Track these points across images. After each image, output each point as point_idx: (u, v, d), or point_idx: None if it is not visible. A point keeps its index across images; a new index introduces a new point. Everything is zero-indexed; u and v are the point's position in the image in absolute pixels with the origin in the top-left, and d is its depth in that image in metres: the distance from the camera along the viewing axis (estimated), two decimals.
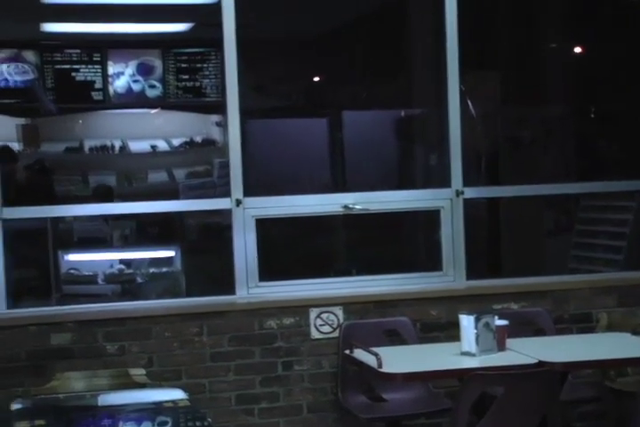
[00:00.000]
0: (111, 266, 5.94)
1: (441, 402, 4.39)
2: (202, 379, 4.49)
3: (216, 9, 4.67)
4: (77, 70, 5.22)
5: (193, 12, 5.47)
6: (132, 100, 5.40)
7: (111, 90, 5.31)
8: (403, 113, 6.35)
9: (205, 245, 6.00)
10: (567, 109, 6.37)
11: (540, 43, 6.44)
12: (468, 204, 4.92)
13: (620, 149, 5.98)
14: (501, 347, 3.98)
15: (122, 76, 5.31)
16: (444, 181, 4.90)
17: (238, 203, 4.67)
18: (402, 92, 6.25)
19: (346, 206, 4.79)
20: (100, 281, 5.82)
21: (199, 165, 6.58)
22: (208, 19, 4.92)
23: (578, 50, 6.46)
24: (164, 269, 5.93)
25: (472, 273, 4.88)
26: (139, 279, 5.84)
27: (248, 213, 4.69)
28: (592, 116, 6.42)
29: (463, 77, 4.91)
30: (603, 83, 6.03)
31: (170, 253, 6.09)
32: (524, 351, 3.94)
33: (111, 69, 5.26)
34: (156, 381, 4.27)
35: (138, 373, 4.21)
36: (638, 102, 5.24)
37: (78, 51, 5.21)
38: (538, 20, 6.34)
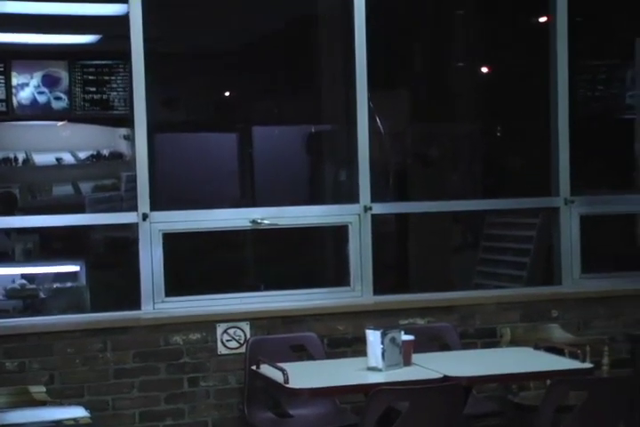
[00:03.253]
0: (13, 281, 5.78)
1: (347, 418, 4.39)
2: (105, 396, 4.40)
3: (124, 21, 4.62)
4: None
5: (101, 24, 5.38)
6: (37, 111, 5.27)
7: (15, 101, 5.19)
8: (313, 129, 6.37)
9: (111, 260, 5.90)
10: (474, 127, 6.48)
11: (449, 62, 6.55)
12: (377, 219, 4.95)
13: (526, 167, 6.10)
14: (407, 362, 4.00)
15: (26, 87, 5.19)
16: (352, 197, 4.93)
17: (145, 217, 4.61)
18: (312, 108, 6.27)
19: (254, 221, 4.77)
20: (0, 296, 5.66)
21: (106, 179, 6.48)
22: (116, 31, 4.87)
23: (485, 69, 6.58)
24: (68, 285, 5.80)
25: (379, 288, 4.91)
26: (42, 295, 5.70)
27: (155, 227, 4.63)
28: (498, 134, 6.54)
29: (372, 95, 4.95)
30: (509, 101, 6.14)
31: (74, 268, 5.96)
32: (430, 366, 3.97)
33: (15, 80, 5.13)
34: (58, 398, 4.17)
35: (38, 390, 4.10)
36: (542, 121, 5.36)
37: None
38: (446, 40, 6.45)
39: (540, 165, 5.44)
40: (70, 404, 4.10)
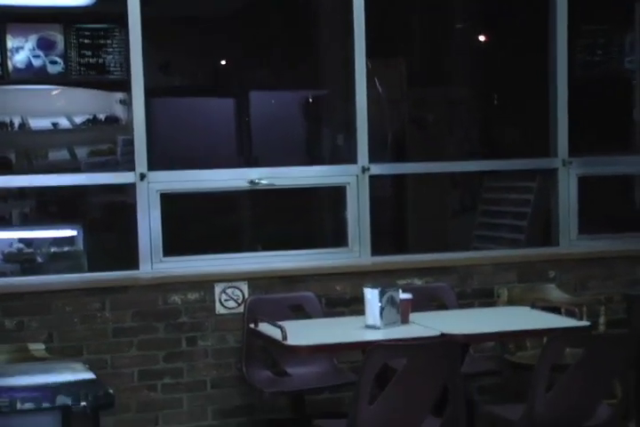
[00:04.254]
0: (10, 245, 5.78)
1: (345, 376, 4.42)
2: (104, 355, 4.43)
3: None
4: None
5: None
6: (33, 75, 5.23)
7: (10, 65, 5.15)
8: (310, 94, 6.34)
9: (109, 224, 5.89)
10: (473, 92, 6.46)
11: (447, 27, 6.51)
12: (375, 182, 4.94)
13: (524, 130, 6.09)
14: (405, 320, 4.02)
15: (21, 50, 5.15)
16: (350, 159, 4.92)
17: (142, 177, 4.60)
18: (309, 73, 6.24)
19: (252, 181, 4.76)
20: None
21: (102, 143, 6.44)
22: None
23: (483, 34, 6.54)
24: (66, 249, 5.79)
25: (377, 249, 4.92)
26: (39, 259, 5.70)
27: (152, 187, 4.62)
28: (497, 97, 6.51)
29: (370, 60, 4.94)
30: (507, 66, 6.12)
31: (72, 233, 5.95)
32: (428, 324, 3.99)
33: (10, 44, 5.08)
34: (57, 356, 4.18)
35: (37, 347, 4.11)
36: (541, 84, 5.34)
37: None
38: (444, 5, 6.41)
39: (538, 128, 5.43)
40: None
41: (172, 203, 4.74)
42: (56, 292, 4.39)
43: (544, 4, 5.28)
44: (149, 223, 4.61)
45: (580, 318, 4.21)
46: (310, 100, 6.34)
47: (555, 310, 4.48)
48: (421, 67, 6.37)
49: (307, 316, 4.53)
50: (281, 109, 6.30)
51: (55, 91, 6.16)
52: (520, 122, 6.14)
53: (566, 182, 5.20)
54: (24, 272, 5.45)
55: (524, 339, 4.56)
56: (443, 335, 3.84)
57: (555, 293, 4.86)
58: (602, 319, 4.76)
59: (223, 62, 6.58)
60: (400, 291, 4.01)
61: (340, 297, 4.71)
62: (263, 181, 4.76)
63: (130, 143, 4.72)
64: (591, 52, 5.76)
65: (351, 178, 4.89)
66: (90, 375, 3.56)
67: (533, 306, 4.38)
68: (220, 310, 4.59)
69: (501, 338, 4.38)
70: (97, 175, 5.09)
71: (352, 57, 4.92)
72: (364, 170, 4.88)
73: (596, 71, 5.76)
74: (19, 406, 3.28)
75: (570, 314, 4.41)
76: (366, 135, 4.89)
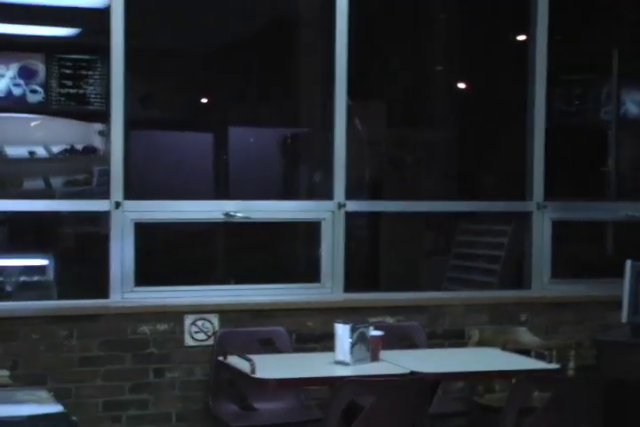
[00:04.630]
0: None
1: (312, 413, 4.38)
2: (68, 384, 4.37)
3: (105, 14, 4.62)
4: None
5: (80, 16, 5.35)
6: (12, 104, 5.24)
7: None
8: (289, 132, 6.37)
9: (80, 254, 5.84)
10: (452, 134, 6.51)
11: (425, 71, 6.58)
12: (350, 220, 4.95)
13: (500, 174, 6.14)
14: (375, 357, 4.00)
15: (2, 78, 5.15)
16: (326, 194, 4.93)
17: (117, 205, 4.59)
18: (289, 110, 6.27)
19: (227, 214, 4.76)
20: None
21: (78, 173, 6.42)
22: (96, 24, 4.84)
23: (463, 78, 6.61)
24: (36, 278, 5.74)
25: (350, 286, 4.91)
26: (8, 288, 5.64)
27: (127, 216, 4.61)
28: (474, 140, 6.56)
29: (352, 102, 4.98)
30: (485, 110, 6.18)
31: (43, 262, 5.90)
32: (398, 362, 3.98)
33: None
34: (20, 383, 4.11)
35: (1, 374, 4.04)
36: (518, 130, 5.40)
37: None
38: (426, 48, 6.48)
39: (514, 172, 5.48)
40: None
41: (145, 233, 4.72)
42: (23, 318, 4.35)
43: (524, 51, 5.37)
44: (122, 252, 4.58)
45: (550, 362, 4.20)
46: (289, 137, 6.37)
47: (525, 352, 4.48)
48: (401, 108, 6.42)
49: (277, 351, 4.51)
50: (259, 146, 6.32)
51: (35, 122, 6.15)
52: (496, 165, 6.19)
53: (540, 226, 5.23)
54: None
55: (493, 379, 4.55)
56: (413, 373, 3.83)
57: (525, 336, 4.85)
58: (571, 364, 4.76)
59: (204, 97, 6.61)
60: (371, 328, 4.00)
61: (310, 333, 4.69)
62: (239, 214, 4.75)
63: (106, 174, 4.72)
64: (568, 101, 5.85)
65: (327, 213, 4.89)
66: (56, 407, 3.46)
67: (504, 348, 4.37)
68: (189, 341, 4.55)
69: (471, 378, 4.36)
70: (71, 202, 5.07)
71: (333, 96, 4.96)
72: (340, 206, 4.90)
73: (572, 120, 5.84)
74: None
75: (540, 357, 4.41)
76: (344, 172, 4.92)
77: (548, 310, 5.07)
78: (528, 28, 5.35)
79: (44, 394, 3.67)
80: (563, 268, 5.32)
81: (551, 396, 3.82)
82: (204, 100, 6.58)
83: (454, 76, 6.55)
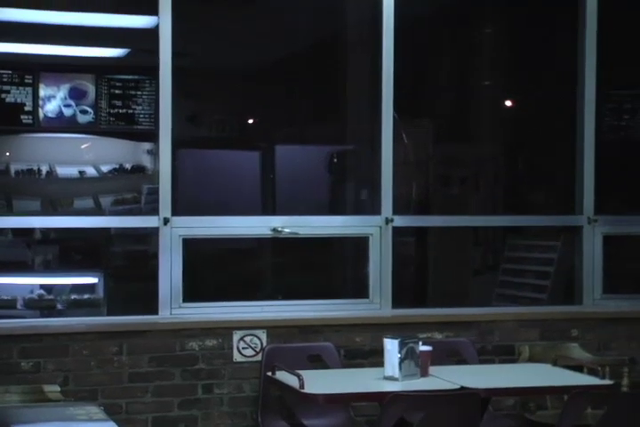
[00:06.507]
0: (31, 291, 5.78)
1: None
2: (119, 399, 4.38)
3: (153, 34, 4.67)
4: (8, 91, 5.11)
5: (129, 38, 5.43)
6: (63, 124, 5.30)
7: (41, 113, 5.21)
8: (336, 149, 6.38)
9: (129, 271, 5.89)
10: (501, 150, 6.47)
11: (473, 86, 6.56)
12: (398, 237, 4.93)
13: (548, 189, 6.09)
14: (424, 373, 3.96)
15: (53, 99, 5.22)
16: (374, 210, 4.91)
17: (166, 221, 4.62)
18: (336, 129, 6.29)
19: (275, 229, 4.76)
20: (19, 306, 5.65)
21: (127, 192, 6.49)
22: (144, 44, 4.91)
23: (512, 95, 6.58)
24: (86, 296, 5.79)
25: (398, 302, 4.88)
26: (59, 306, 5.70)
27: (175, 232, 4.63)
28: (524, 157, 6.52)
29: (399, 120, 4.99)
30: (535, 127, 6.14)
31: (93, 280, 5.96)
32: (447, 378, 3.93)
33: (42, 92, 5.16)
34: (71, 399, 4.14)
35: (52, 389, 4.07)
36: (568, 146, 5.37)
37: (9, 71, 5.11)
38: (472, 66, 6.47)
39: (564, 186, 5.42)
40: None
41: (193, 249, 4.74)
42: (74, 334, 4.38)
43: (573, 66, 5.33)
44: (170, 268, 4.60)
45: (603, 378, 4.13)
46: (335, 155, 6.37)
47: (577, 369, 4.41)
48: (448, 124, 6.40)
49: (325, 366, 4.48)
50: (306, 163, 6.33)
51: (85, 142, 6.23)
52: (546, 180, 6.14)
53: (591, 240, 5.17)
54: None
55: (545, 395, 4.48)
56: (463, 389, 3.78)
57: (577, 352, 4.78)
58: (625, 381, 4.66)
59: (250, 115, 6.65)
60: (420, 343, 3.96)
61: (358, 349, 4.67)
62: (286, 230, 4.76)
63: (154, 192, 4.75)
64: (618, 116, 5.79)
65: (374, 229, 4.88)
66: (108, 423, 3.44)
67: (555, 364, 4.31)
68: (237, 357, 4.55)
69: (523, 393, 4.31)
70: (121, 218, 5.12)
71: (380, 113, 4.96)
72: (388, 221, 4.88)
73: (622, 134, 5.78)
74: None
75: (592, 373, 4.34)
76: (391, 187, 4.90)
77: (600, 326, 4.99)
78: (577, 41, 5.31)
79: (94, 409, 3.67)
80: (614, 283, 5.24)
81: (605, 412, 3.74)
82: (251, 119, 6.62)
83: (502, 91, 6.52)
